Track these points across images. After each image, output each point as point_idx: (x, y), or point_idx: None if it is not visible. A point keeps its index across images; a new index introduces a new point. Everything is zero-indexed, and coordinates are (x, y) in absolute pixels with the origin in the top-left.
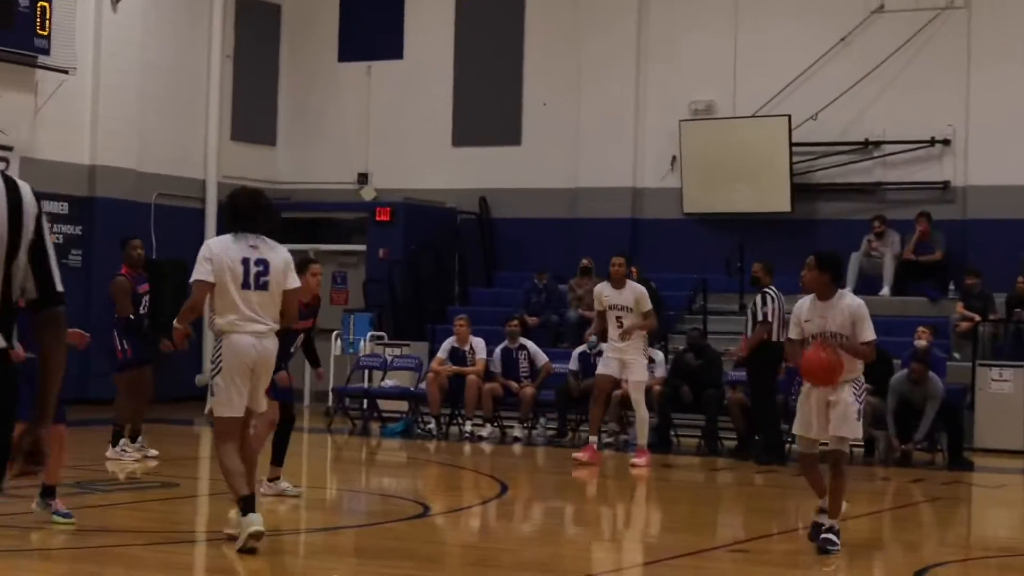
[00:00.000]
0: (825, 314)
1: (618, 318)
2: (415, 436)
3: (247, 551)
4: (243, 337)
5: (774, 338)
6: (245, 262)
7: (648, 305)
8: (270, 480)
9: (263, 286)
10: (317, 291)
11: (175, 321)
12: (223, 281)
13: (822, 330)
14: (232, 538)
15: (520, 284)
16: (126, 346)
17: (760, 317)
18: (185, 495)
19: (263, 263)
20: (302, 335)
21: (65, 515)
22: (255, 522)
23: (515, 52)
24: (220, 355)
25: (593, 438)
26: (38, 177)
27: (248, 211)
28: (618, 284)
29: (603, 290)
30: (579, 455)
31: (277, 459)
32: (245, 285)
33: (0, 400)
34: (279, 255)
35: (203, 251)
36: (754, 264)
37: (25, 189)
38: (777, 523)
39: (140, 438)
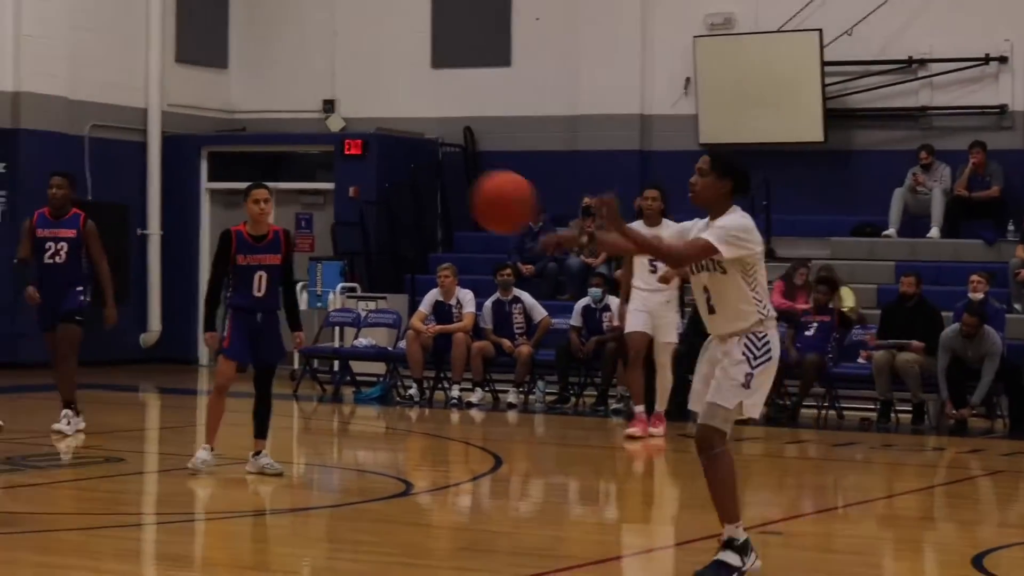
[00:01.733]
0: None
1: (651, 261)
2: (394, 403)
3: None
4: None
5: None
6: None
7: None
8: (254, 455)
9: None
10: (263, 221)
11: None
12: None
13: None
14: None
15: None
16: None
17: None
18: (131, 472)
19: None
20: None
21: None
22: None
23: None
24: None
25: (639, 408)
26: None
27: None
28: (652, 221)
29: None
30: (632, 430)
31: (260, 431)
32: None
33: None
34: None
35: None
36: None
37: None
38: (812, 501)
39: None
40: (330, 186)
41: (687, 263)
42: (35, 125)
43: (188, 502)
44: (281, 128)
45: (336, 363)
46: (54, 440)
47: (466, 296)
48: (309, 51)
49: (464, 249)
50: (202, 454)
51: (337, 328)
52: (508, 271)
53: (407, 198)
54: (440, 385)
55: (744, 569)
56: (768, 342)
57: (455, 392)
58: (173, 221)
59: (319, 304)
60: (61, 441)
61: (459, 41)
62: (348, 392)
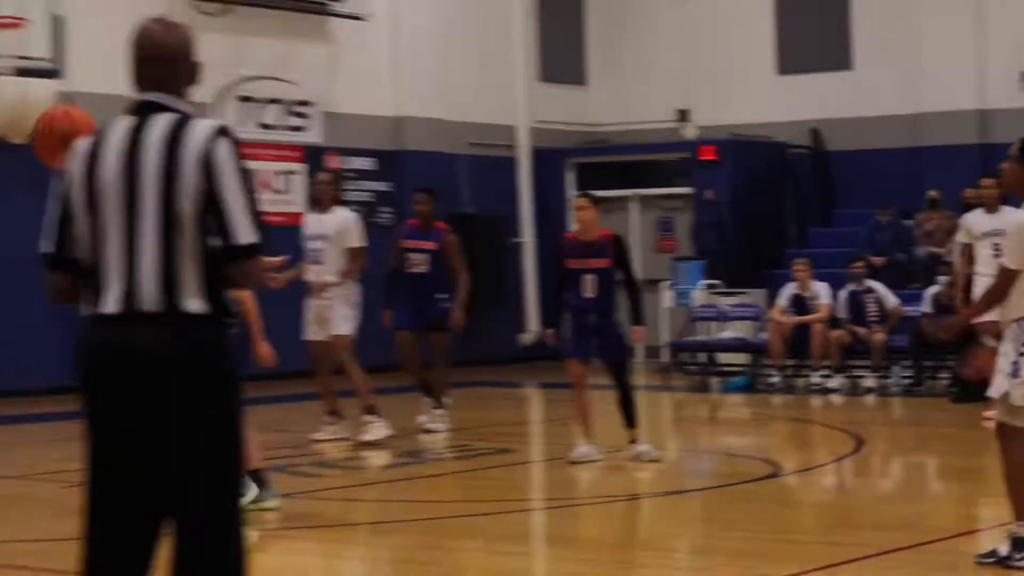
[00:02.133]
0: None
1: (995, 245)
2: (758, 390)
3: None
4: None
5: None
6: None
7: None
8: (631, 443)
9: None
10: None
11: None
12: None
13: None
14: None
15: (862, 221)
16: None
17: None
18: (516, 462)
19: None
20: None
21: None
22: None
23: None
24: None
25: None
26: (342, 132)
27: None
28: (992, 208)
29: (972, 219)
30: (990, 412)
31: (629, 422)
32: None
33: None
34: None
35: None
36: None
37: (196, 130)
38: None
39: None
40: (688, 190)
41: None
42: (416, 146)
43: (571, 488)
44: (639, 139)
45: (702, 355)
46: (426, 436)
47: (822, 288)
48: (662, 65)
49: (817, 244)
50: (585, 448)
51: (702, 323)
52: (860, 263)
53: (760, 198)
54: (801, 372)
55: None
56: None
57: (815, 378)
58: (544, 229)
59: (684, 302)
60: (429, 436)
61: (802, 48)
62: (715, 382)
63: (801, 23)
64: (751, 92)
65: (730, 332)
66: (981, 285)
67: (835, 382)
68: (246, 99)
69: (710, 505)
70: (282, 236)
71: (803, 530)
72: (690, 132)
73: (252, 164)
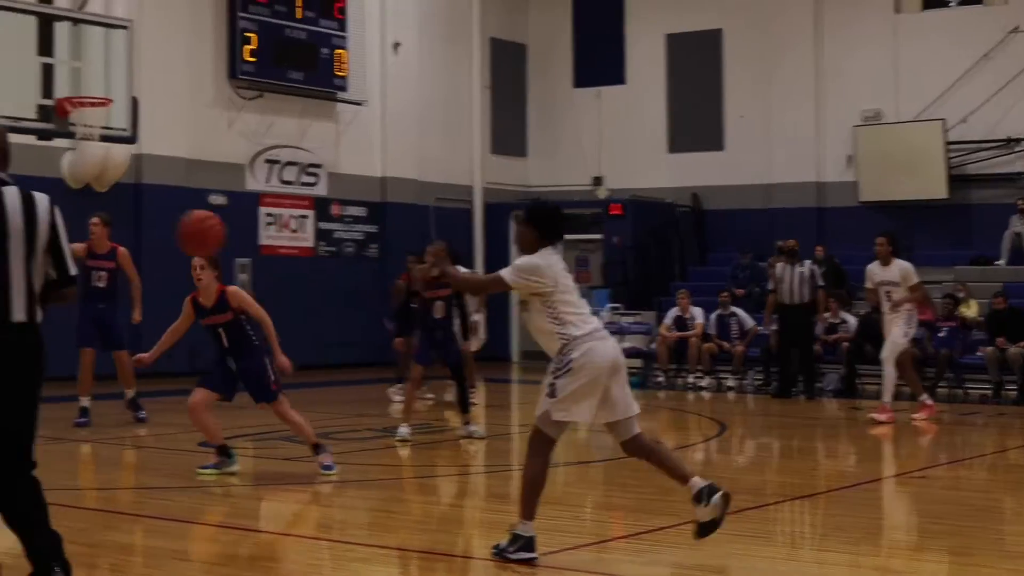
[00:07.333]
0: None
1: (887, 292)
2: (648, 387)
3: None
4: None
5: None
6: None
7: (914, 279)
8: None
9: None
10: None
11: None
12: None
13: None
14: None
15: (728, 263)
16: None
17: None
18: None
19: None
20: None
21: (328, 468)
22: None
23: (715, 75)
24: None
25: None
26: (342, 187)
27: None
28: (885, 261)
29: (873, 268)
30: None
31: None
32: None
33: (26, 368)
34: None
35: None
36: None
37: (40, 200)
38: (946, 454)
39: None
40: (600, 236)
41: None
42: (397, 199)
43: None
44: (564, 197)
45: None
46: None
47: (697, 311)
48: (582, 142)
49: (694, 279)
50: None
51: None
52: (726, 294)
53: (654, 244)
54: (680, 374)
55: None
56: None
57: (690, 379)
58: (492, 264)
59: None
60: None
61: (687, 133)
62: None
63: (686, 115)
64: (648, 165)
65: (628, 343)
66: (888, 322)
67: (705, 382)
68: (272, 161)
69: (609, 472)
70: (293, 264)
71: (678, 493)
72: (602, 193)
73: (274, 210)
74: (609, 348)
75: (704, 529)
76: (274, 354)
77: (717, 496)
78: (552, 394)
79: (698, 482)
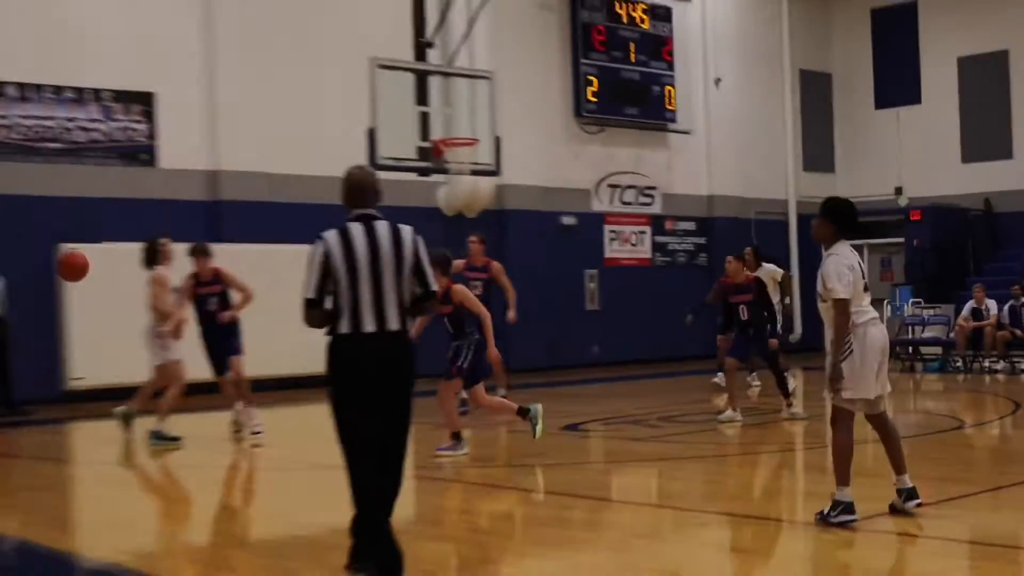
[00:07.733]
0: None
1: None
2: (947, 371)
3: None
4: None
5: None
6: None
7: None
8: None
9: None
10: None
11: None
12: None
13: None
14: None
15: (1018, 259)
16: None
17: None
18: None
19: None
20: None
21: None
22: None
23: (1003, 91)
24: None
25: None
26: (675, 205)
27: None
28: None
29: None
30: None
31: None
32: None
33: (400, 370)
34: None
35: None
36: None
37: (404, 231)
38: None
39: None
40: (901, 240)
41: (846, 326)
42: (723, 214)
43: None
44: (869, 206)
45: (910, 348)
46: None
47: (991, 303)
48: (884, 157)
49: (988, 274)
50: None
51: (910, 326)
52: (1017, 286)
53: (950, 245)
54: (977, 359)
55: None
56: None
57: (987, 363)
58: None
59: (898, 313)
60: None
61: (979, 144)
62: (918, 366)
63: (977, 128)
64: (944, 174)
65: (929, 333)
66: None
67: (1000, 366)
68: (614, 186)
69: (916, 448)
70: (634, 273)
71: (978, 464)
72: (903, 201)
73: (617, 228)
74: (881, 332)
75: (893, 510)
76: (487, 346)
77: (912, 504)
78: (838, 376)
79: (907, 481)
